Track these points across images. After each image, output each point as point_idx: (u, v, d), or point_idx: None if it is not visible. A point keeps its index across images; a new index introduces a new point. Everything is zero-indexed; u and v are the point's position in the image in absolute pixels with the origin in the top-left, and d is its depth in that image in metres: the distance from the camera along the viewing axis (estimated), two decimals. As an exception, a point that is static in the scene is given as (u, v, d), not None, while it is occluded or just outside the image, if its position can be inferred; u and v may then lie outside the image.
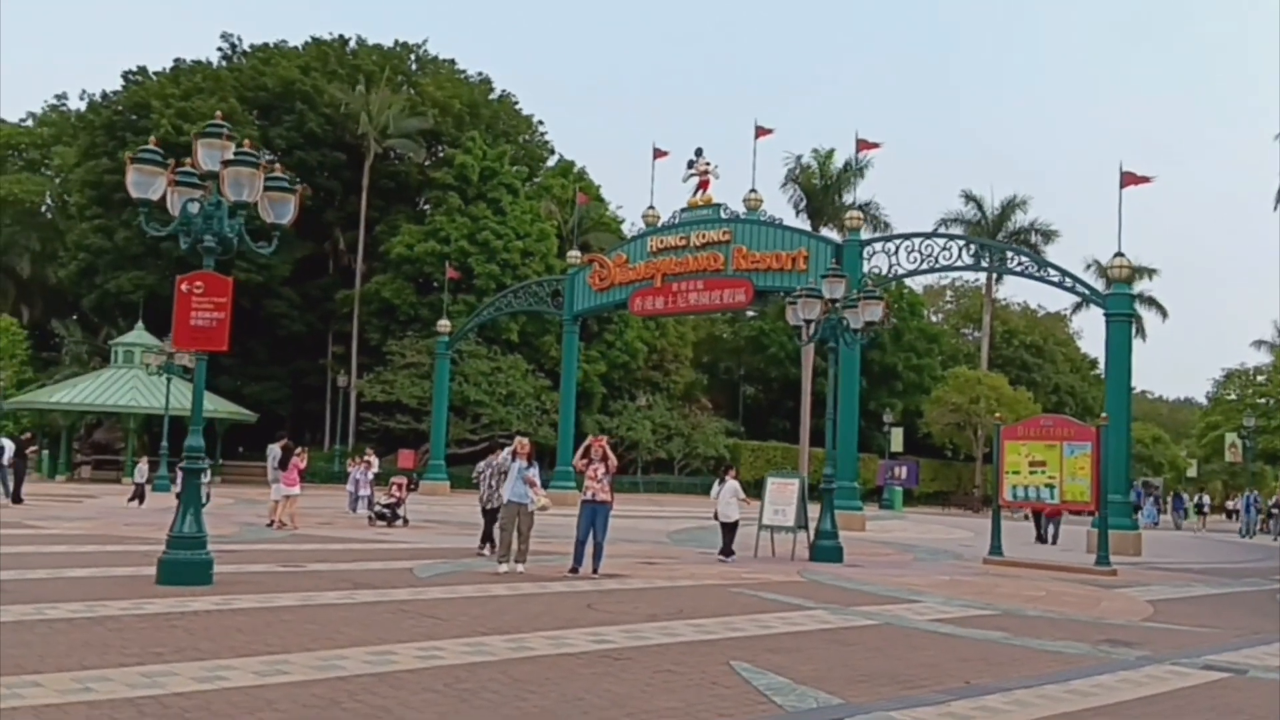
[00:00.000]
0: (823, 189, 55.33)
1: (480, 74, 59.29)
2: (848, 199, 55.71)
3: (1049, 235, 62.86)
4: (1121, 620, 12.69)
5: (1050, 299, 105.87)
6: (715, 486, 19.47)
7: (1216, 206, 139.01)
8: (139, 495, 27.73)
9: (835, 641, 10.05)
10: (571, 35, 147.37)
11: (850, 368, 30.55)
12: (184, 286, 12.13)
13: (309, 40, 56.47)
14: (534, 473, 14.93)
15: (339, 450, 48.96)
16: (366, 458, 28.80)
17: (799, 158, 55.22)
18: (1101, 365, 78.67)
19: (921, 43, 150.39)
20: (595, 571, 14.67)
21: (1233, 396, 50.94)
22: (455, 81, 57.06)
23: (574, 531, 15.33)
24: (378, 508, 23.64)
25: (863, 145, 30.88)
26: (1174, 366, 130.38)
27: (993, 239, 29.78)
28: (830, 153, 55.50)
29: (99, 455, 48.54)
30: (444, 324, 42.47)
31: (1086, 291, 26.17)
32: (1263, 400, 46.59)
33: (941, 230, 44.63)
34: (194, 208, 12.21)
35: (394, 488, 23.94)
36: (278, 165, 12.88)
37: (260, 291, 49.10)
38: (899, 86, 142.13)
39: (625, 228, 56.66)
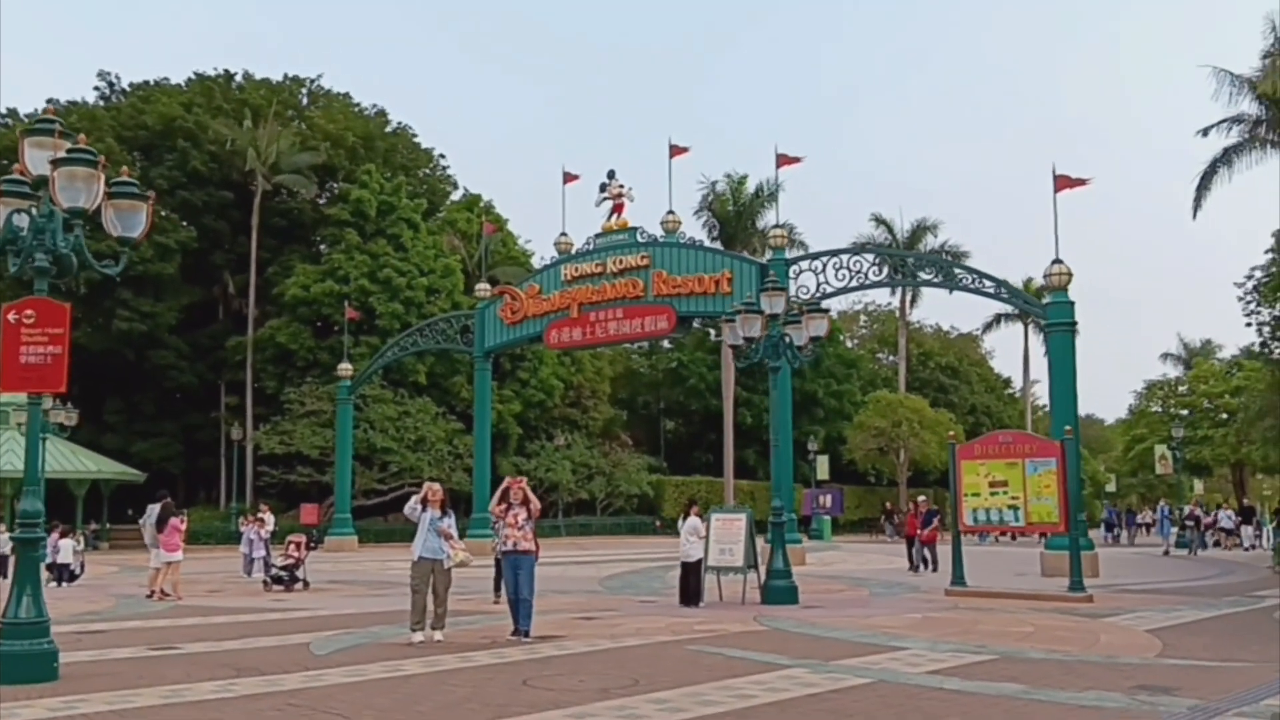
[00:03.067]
0: (736, 215, 54.02)
1: (375, 106, 57.05)
2: (760, 224, 54.71)
3: (959, 257, 62.64)
4: (1136, 658, 11.08)
5: (963, 319, 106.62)
6: (680, 522, 17.63)
7: (1123, 220, 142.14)
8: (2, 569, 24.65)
9: (832, 712, 8.18)
10: (470, 66, 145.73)
11: (784, 392, 28.83)
12: (10, 316, 9.86)
13: (192, 76, 53.67)
14: (449, 523, 12.86)
15: (235, 508, 45.78)
16: (260, 515, 26.28)
17: (713, 184, 53.92)
18: (1016, 384, 79.78)
19: (829, 66, 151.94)
20: (525, 634, 12.64)
21: (1155, 408, 50.88)
22: (349, 114, 54.64)
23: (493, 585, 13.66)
24: (274, 570, 21.20)
25: (783, 160, 29.46)
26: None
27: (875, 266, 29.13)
28: (743, 178, 54.32)
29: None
30: (345, 367, 39.98)
31: (1024, 302, 24.97)
32: (1185, 411, 46.50)
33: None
34: (21, 221, 9.97)
35: (291, 547, 21.51)
36: (151, 196, 10.58)
37: (145, 341, 45.96)
38: (803, 110, 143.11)
39: (535, 261, 54.65)
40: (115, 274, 10.69)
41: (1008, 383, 78.60)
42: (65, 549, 22.60)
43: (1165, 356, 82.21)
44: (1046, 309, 24.48)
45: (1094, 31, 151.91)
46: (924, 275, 27.11)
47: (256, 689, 9.24)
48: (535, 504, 13.17)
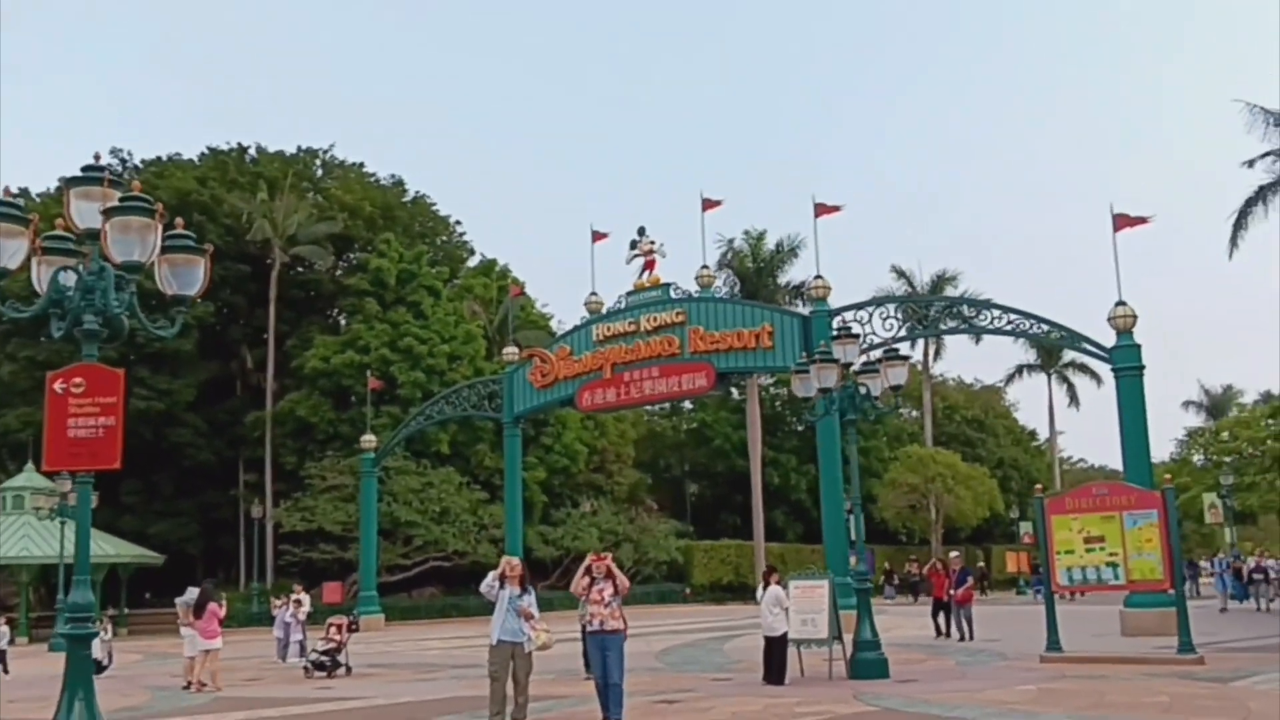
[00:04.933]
0: (756, 271, 53.29)
1: (393, 176, 56.54)
2: (783, 279, 53.95)
3: (966, 313, 61.87)
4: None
5: (986, 371, 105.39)
6: (759, 592, 16.31)
7: (1152, 266, 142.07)
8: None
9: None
10: (484, 132, 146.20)
11: (832, 448, 27.75)
12: (57, 385, 8.83)
13: (205, 151, 53.27)
14: (530, 601, 11.70)
15: (256, 589, 44.43)
16: (295, 596, 24.97)
17: (730, 241, 53.26)
18: (1043, 435, 78.37)
19: (851, 119, 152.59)
20: (616, 721, 11.46)
21: (1197, 458, 49.66)
22: (365, 185, 54.11)
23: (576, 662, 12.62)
24: (314, 655, 19.93)
25: (821, 210, 28.60)
26: (1105, 433, 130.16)
27: (920, 314, 28.01)
28: (762, 234, 53.65)
29: (-9, 614, 43.30)
30: (369, 439, 38.87)
31: (1089, 346, 23.90)
32: (1229, 459, 45.33)
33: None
34: (68, 279, 8.99)
35: (332, 630, 20.26)
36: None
37: (162, 420, 44.92)
38: (823, 164, 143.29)
39: (555, 325, 53.82)
40: (170, 335, 9.65)
41: (1034, 435, 77.21)
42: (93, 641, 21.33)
43: (1188, 404, 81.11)
44: (1112, 353, 23.40)
45: (1126, 70, 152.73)
46: (980, 323, 26.08)
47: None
48: (624, 581, 12.07)
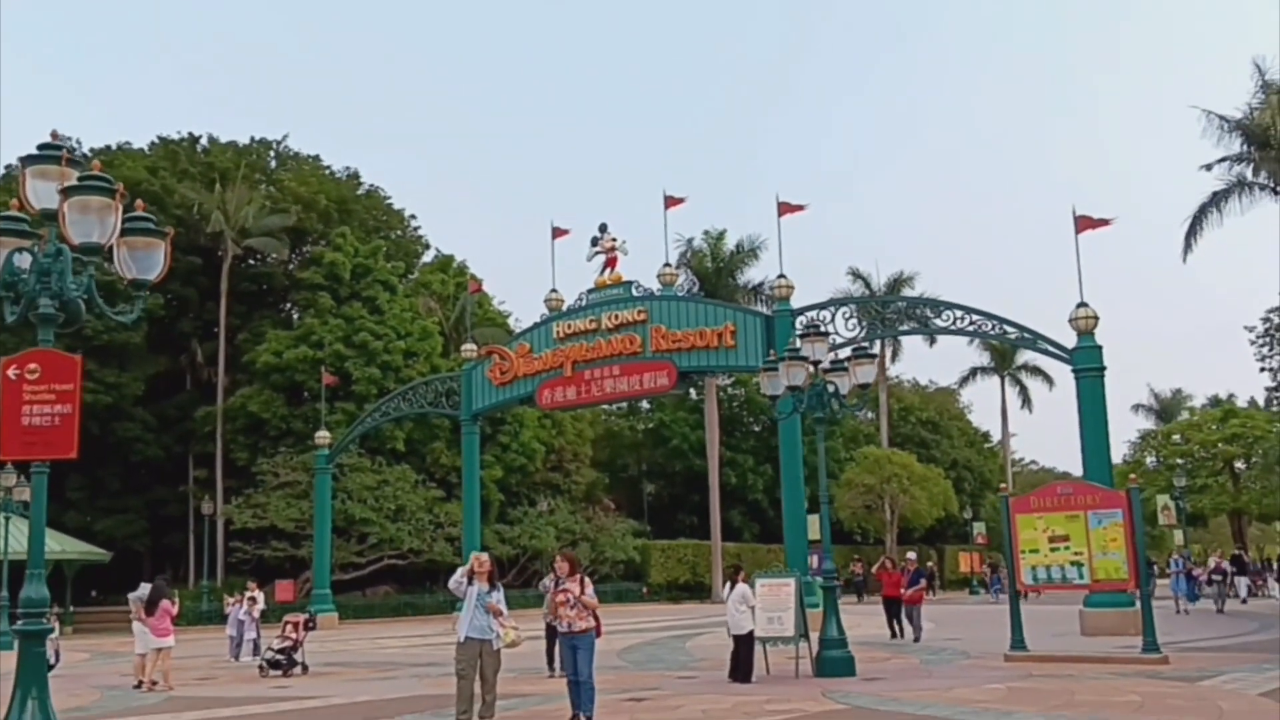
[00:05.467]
0: (715, 271, 53.21)
1: (348, 169, 55.76)
2: (742, 279, 53.93)
3: (927, 313, 62.31)
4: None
5: (940, 373, 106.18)
6: (724, 591, 16.14)
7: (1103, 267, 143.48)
8: None
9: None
10: (439, 126, 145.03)
11: (794, 447, 27.75)
12: (10, 372, 8.45)
13: (155, 140, 52.22)
14: (498, 598, 11.45)
15: (206, 586, 43.61)
16: (250, 593, 24.50)
17: (689, 240, 53.15)
18: (995, 437, 79.09)
19: (818, 120, 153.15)
20: (587, 718, 11.24)
21: (1150, 460, 50.34)
22: (320, 177, 53.30)
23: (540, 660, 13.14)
24: (269, 654, 19.49)
25: (785, 208, 28.54)
26: (1056, 435, 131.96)
27: (881, 314, 28.01)
28: (722, 233, 53.62)
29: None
30: (323, 435, 38.29)
31: (1050, 347, 24.01)
32: (1181, 461, 45.98)
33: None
34: (23, 261, 8.61)
35: (288, 628, 19.83)
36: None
37: (109, 414, 43.94)
38: (785, 164, 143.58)
39: (512, 323, 53.38)
40: (130, 320, 9.32)
41: (986, 437, 77.95)
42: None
43: (1137, 408, 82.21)
44: (1073, 354, 23.51)
45: (1081, 78, 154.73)
46: (939, 323, 26.11)
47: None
48: (588, 585, 11.80)
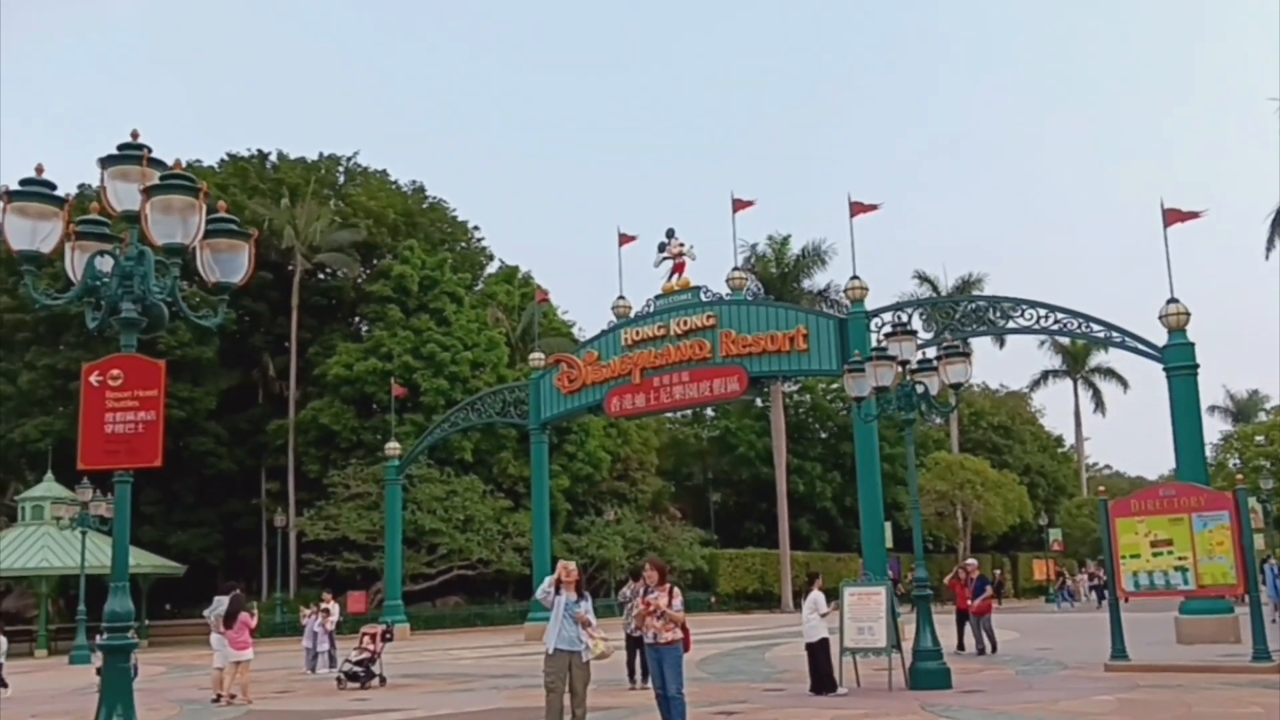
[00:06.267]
0: (780, 277, 52.72)
1: (413, 182, 56.08)
2: (807, 284, 53.31)
3: (1008, 312, 61.05)
4: None
5: (1011, 377, 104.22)
6: (805, 599, 15.60)
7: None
8: None
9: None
10: (499, 137, 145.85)
11: (870, 452, 27.10)
12: (93, 378, 8.27)
13: (225, 158, 52.87)
14: (586, 608, 11.07)
15: (279, 599, 43.90)
16: (324, 605, 24.40)
17: (754, 246, 52.66)
18: (1068, 442, 77.34)
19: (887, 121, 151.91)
20: (679, 737, 10.81)
21: (1233, 462, 48.74)
22: (388, 191, 53.68)
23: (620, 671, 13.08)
24: (348, 666, 19.31)
25: (857, 208, 27.88)
26: (1130, 439, 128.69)
27: (958, 315, 27.14)
28: (786, 238, 53.11)
29: (10, 626, 42.84)
30: (393, 446, 38.29)
31: (1140, 345, 23.12)
32: (1265, 462, 44.44)
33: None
34: (104, 264, 8.43)
35: (365, 639, 19.66)
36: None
37: (183, 428, 44.42)
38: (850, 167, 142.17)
39: (576, 332, 53.23)
40: (214, 325, 9.11)
41: (1059, 441, 76.25)
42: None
43: (1213, 409, 79.95)
44: (1164, 352, 22.63)
45: (1153, 67, 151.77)
46: (1021, 322, 25.29)
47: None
48: (677, 596, 11.33)
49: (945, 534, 58.80)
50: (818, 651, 14.93)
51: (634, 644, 16.68)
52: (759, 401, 58.48)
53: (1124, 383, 71.95)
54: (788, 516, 53.04)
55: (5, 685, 21.55)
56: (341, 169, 55.38)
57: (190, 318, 8.82)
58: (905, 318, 26.79)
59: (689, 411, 58.45)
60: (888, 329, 26.63)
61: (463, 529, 43.38)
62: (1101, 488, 20.30)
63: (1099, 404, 73.42)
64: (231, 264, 8.85)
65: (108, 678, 8.17)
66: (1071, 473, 74.42)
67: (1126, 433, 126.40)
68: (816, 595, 15.31)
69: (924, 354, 17.14)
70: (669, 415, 57.90)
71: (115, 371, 8.29)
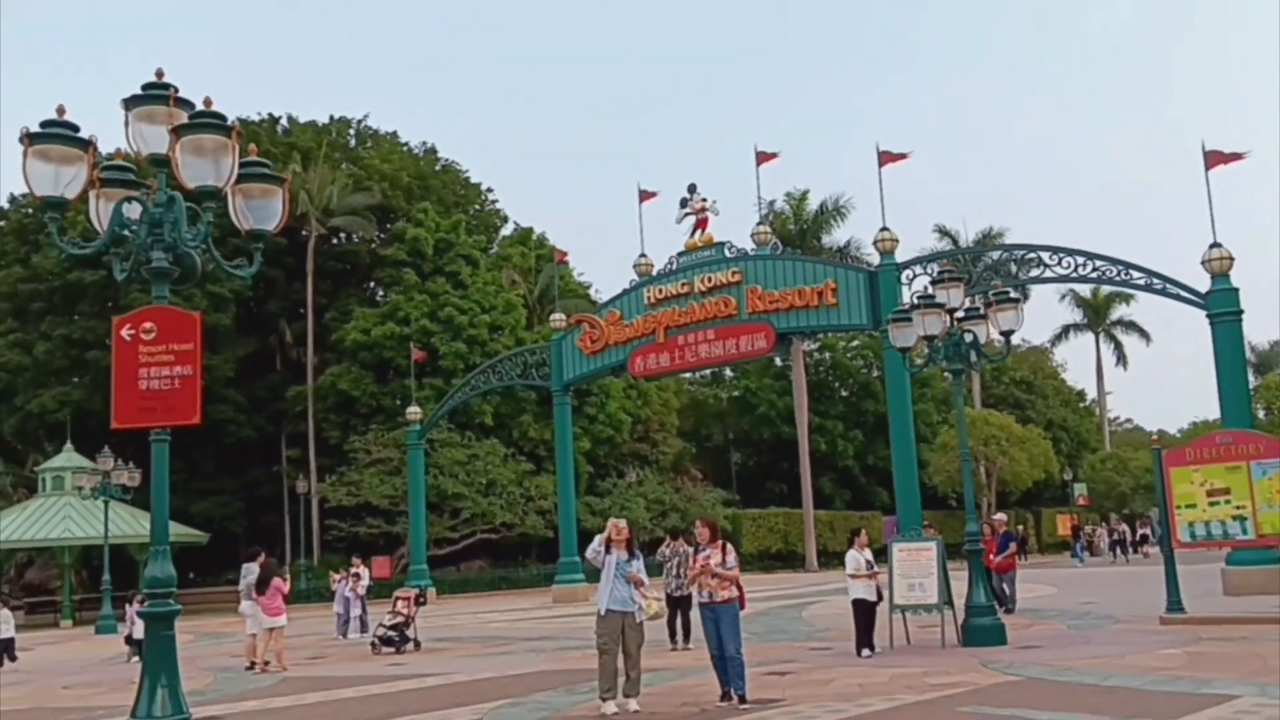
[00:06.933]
0: (799, 234, 51.98)
1: (424, 144, 55.36)
2: (827, 240, 52.61)
3: (1027, 265, 60.27)
4: None
5: (1032, 331, 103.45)
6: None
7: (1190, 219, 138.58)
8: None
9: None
10: (509, 98, 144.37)
11: (903, 407, 26.56)
12: (125, 332, 7.82)
13: (234, 122, 52.03)
14: (638, 567, 10.64)
15: (303, 565, 43.77)
16: (354, 570, 24.14)
17: (771, 203, 51.82)
18: (1091, 396, 76.73)
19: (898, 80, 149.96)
20: (741, 698, 10.39)
21: (1261, 413, 48.02)
22: (400, 154, 53.00)
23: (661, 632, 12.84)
24: (382, 631, 19.00)
25: (885, 158, 27.17)
26: (1152, 394, 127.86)
27: (970, 272, 26.52)
28: (804, 194, 52.35)
29: (33, 598, 42.90)
30: (414, 411, 37.92)
31: (1181, 291, 22.51)
32: (1299, 412, 43.93)
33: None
34: (132, 211, 7.94)
35: (399, 603, 19.34)
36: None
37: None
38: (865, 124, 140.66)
39: (593, 294, 52.63)
40: (247, 276, 8.63)
41: (1081, 396, 75.58)
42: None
43: (1239, 364, 79.00)
44: (1207, 298, 22.03)
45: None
46: (1059, 270, 24.64)
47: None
48: (731, 552, 10.92)
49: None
50: (855, 609, 14.38)
51: (674, 604, 16.32)
52: (778, 361, 57.95)
53: (1146, 336, 71.18)
54: (810, 476, 52.64)
55: (14, 658, 21.12)
56: (352, 131, 54.70)
57: (224, 267, 8.35)
58: (935, 270, 26.24)
59: (708, 372, 57.89)
60: (921, 280, 26.18)
61: (485, 493, 43.10)
62: (1155, 437, 19.80)
63: (1120, 358, 72.68)
64: (265, 210, 8.39)
65: (151, 647, 7.79)
66: (1094, 427, 73.75)
67: (1145, 387, 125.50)
68: (852, 554, 14.72)
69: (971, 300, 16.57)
70: (688, 376, 57.40)
71: (148, 324, 7.85)
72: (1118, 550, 47.09)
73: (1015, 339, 17.10)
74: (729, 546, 10.95)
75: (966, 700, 9.93)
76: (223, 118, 7.82)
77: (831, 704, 10.21)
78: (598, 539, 10.67)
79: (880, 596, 14.58)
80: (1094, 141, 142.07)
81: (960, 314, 15.12)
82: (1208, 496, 15.76)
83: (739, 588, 10.87)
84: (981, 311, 15.14)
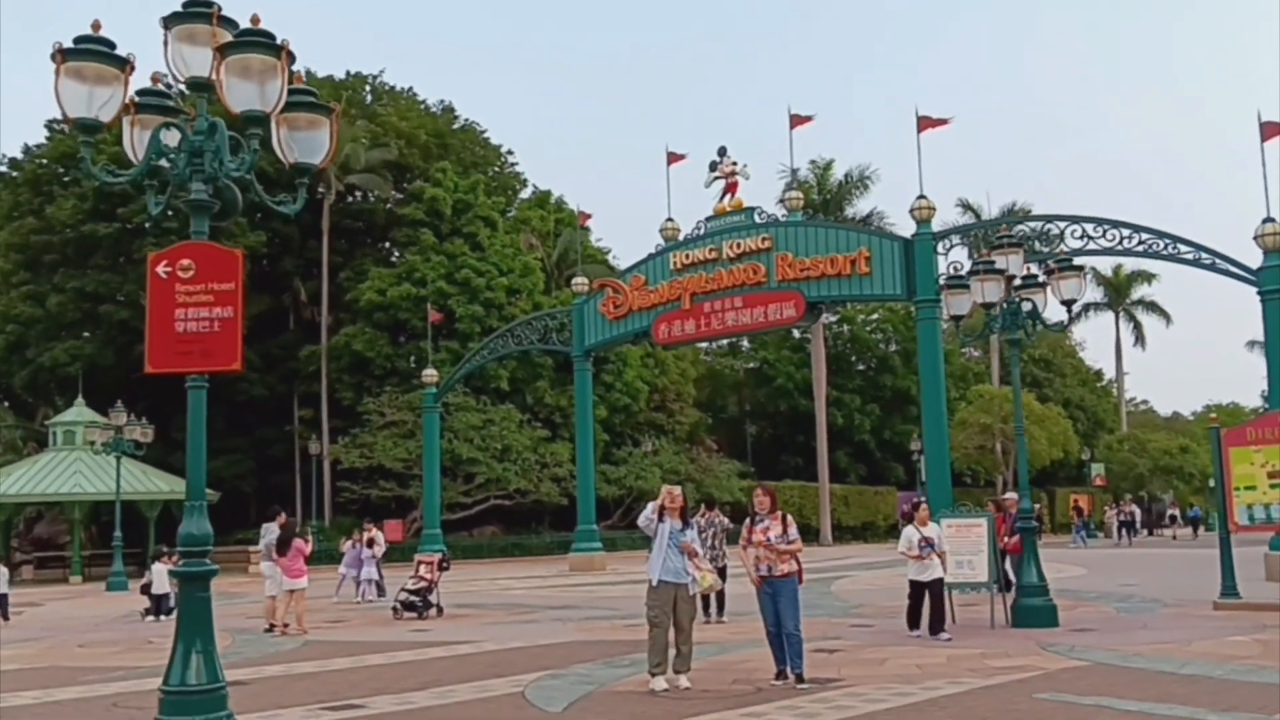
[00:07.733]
0: (823, 203, 51.20)
1: (442, 102, 54.47)
2: (851, 210, 51.82)
3: (1052, 240, 59.42)
4: None
5: (1051, 309, 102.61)
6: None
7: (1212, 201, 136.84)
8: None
9: None
10: (527, 57, 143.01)
11: (935, 381, 25.93)
12: (161, 269, 7.18)
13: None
14: (692, 536, 10.08)
15: (315, 527, 43.27)
16: (368, 533, 23.65)
17: (794, 171, 50.87)
18: (1109, 376, 75.98)
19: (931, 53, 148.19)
20: (799, 677, 9.83)
21: None
22: (417, 112, 52.13)
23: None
24: (404, 595, 18.52)
25: (925, 123, 26.32)
26: (1168, 377, 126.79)
27: (992, 246, 25.77)
28: (830, 163, 51.54)
29: (41, 552, 42.62)
30: (430, 374, 37.24)
31: (1232, 267, 21.79)
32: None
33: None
34: (170, 138, 7.30)
35: (422, 568, 18.86)
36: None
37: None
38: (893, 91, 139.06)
39: (612, 260, 51.92)
40: (293, 212, 7.99)
41: (1099, 375, 74.85)
42: (162, 576, 19.90)
43: (1252, 345, 78.18)
44: (1259, 274, 21.31)
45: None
46: (1103, 243, 23.88)
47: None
48: (791, 524, 10.32)
49: (985, 467, 57.89)
50: (915, 590, 13.60)
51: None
52: (796, 333, 57.32)
53: (1167, 316, 70.36)
54: (826, 449, 52.12)
55: (7, 618, 20.39)
56: (368, 88, 53.81)
57: (267, 202, 7.70)
58: (975, 239, 25.58)
59: (725, 342, 57.29)
60: (957, 251, 25.44)
61: (500, 458, 42.59)
62: (1213, 416, 19.16)
63: (1139, 338, 71.90)
64: (312, 142, 7.72)
65: (185, 607, 7.19)
66: (1111, 407, 73.08)
67: (1158, 369, 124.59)
68: (909, 530, 13.89)
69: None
70: (704, 345, 56.76)
71: (185, 261, 7.19)
72: (1124, 532, 46.48)
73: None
74: (789, 518, 10.36)
75: (1039, 686, 9.36)
76: (271, 36, 7.15)
77: (894, 685, 9.66)
78: (650, 506, 10.09)
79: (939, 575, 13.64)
80: (1103, 112, 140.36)
81: (1019, 282, 14.45)
82: (1269, 478, 15.13)
83: (798, 562, 10.29)
84: (1041, 280, 14.45)
